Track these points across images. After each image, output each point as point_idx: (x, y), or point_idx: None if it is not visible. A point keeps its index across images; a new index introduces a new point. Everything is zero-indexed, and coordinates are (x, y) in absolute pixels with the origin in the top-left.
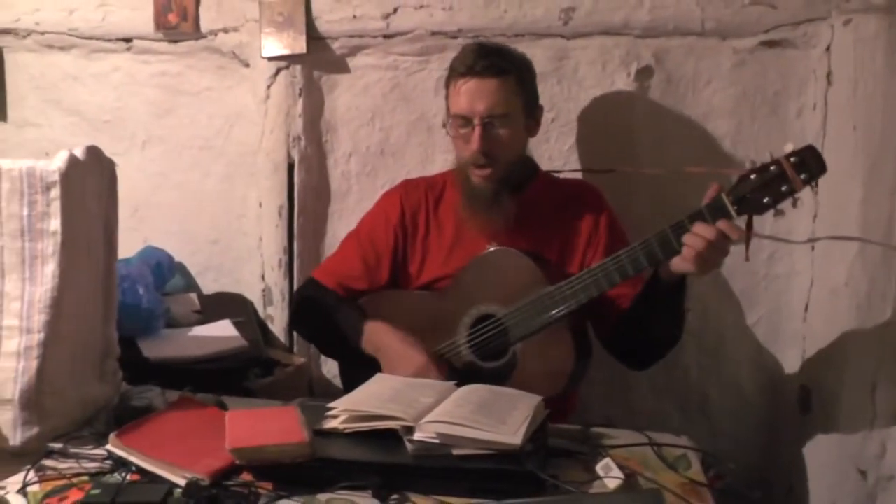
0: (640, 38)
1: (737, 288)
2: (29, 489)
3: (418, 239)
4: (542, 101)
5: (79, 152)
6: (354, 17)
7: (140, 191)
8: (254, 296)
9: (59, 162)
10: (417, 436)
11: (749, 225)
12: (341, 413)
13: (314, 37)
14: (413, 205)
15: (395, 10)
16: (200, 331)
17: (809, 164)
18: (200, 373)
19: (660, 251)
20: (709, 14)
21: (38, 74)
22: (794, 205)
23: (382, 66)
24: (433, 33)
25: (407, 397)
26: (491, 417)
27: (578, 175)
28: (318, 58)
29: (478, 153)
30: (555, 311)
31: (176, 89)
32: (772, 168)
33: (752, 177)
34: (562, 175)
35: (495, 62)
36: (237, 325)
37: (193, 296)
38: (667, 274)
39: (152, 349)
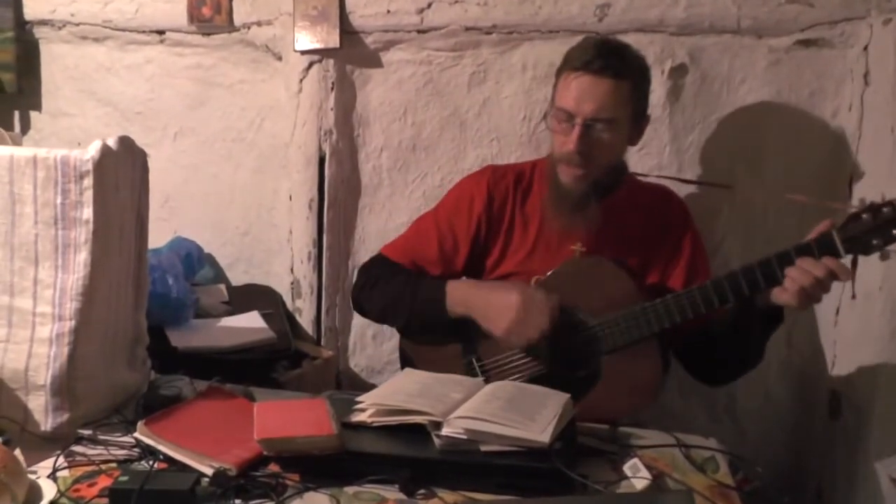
0: (675, 36)
1: None
2: (59, 474)
3: (502, 231)
4: None
5: (112, 142)
6: (389, 11)
7: (171, 182)
8: (282, 288)
9: (92, 151)
10: (445, 431)
11: (854, 264)
12: (369, 407)
13: (348, 31)
14: (501, 194)
15: (430, 5)
16: (229, 322)
17: None
18: (228, 363)
19: (762, 280)
20: (745, 12)
21: (73, 65)
22: None
23: (416, 61)
24: (467, 29)
25: (435, 392)
26: (520, 414)
27: (668, 182)
28: (352, 52)
29: (573, 152)
30: (651, 327)
31: (208, 82)
32: (884, 210)
33: (864, 216)
34: (646, 180)
35: (614, 63)
36: (266, 316)
37: (222, 287)
38: (764, 301)
39: (181, 339)
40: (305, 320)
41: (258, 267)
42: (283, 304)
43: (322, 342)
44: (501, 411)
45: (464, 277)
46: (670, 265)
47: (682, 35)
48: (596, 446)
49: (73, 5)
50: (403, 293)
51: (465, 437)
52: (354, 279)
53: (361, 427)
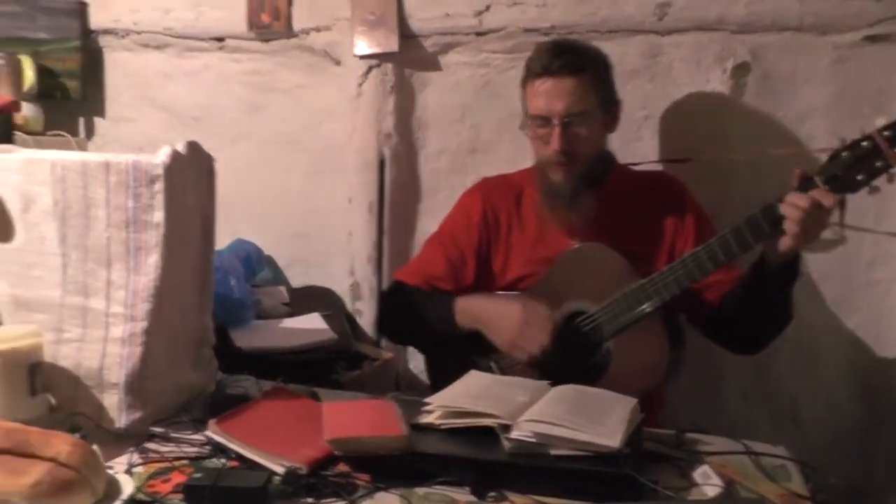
0: (736, 34)
1: (834, 293)
2: (134, 470)
3: (501, 237)
4: (633, 99)
5: (181, 147)
6: (447, 14)
7: (229, 185)
8: (342, 290)
9: (162, 156)
10: (514, 434)
11: (842, 204)
12: (436, 409)
13: (406, 35)
14: (494, 203)
15: (488, 8)
16: (290, 323)
17: None
18: (290, 364)
19: (750, 235)
20: (808, 8)
21: (134, 72)
22: (891, 180)
23: (474, 64)
24: (525, 30)
25: (501, 395)
26: (588, 418)
27: (656, 167)
28: (410, 55)
29: (558, 153)
30: (648, 304)
31: (266, 87)
32: (864, 143)
33: (844, 154)
34: (640, 167)
35: (571, 60)
36: (326, 318)
37: (282, 288)
38: (773, 256)
39: (244, 339)
40: (365, 322)
41: (316, 269)
42: (343, 305)
43: (382, 344)
44: (569, 415)
45: (475, 290)
46: (678, 241)
47: (744, 33)
48: (662, 451)
49: (136, 14)
50: (418, 315)
51: (534, 440)
52: (379, 307)
53: (429, 429)
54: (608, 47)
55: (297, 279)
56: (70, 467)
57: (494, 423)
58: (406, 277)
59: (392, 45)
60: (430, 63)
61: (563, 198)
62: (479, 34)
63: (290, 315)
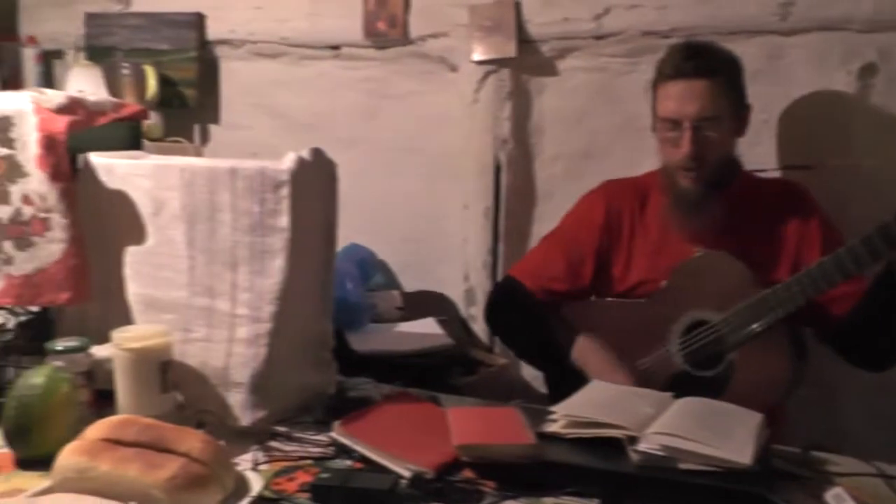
0: (863, 33)
1: None
2: (259, 467)
3: (623, 241)
4: (754, 101)
5: (306, 154)
6: (565, 19)
7: (343, 190)
8: (455, 295)
9: (288, 163)
10: (642, 447)
11: None
12: (561, 418)
13: (523, 40)
14: (617, 206)
15: (607, 11)
16: (406, 327)
17: None
18: (405, 368)
19: (882, 244)
20: None
21: (248, 81)
22: None
23: (591, 68)
24: (644, 33)
25: (626, 406)
26: (716, 433)
27: (779, 173)
28: (527, 61)
29: (688, 157)
30: (772, 315)
31: (380, 93)
32: None
33: None
34: (765, 174)
35: (704, 62)
36: (441, 323)
37: (396, 293)
38: None
39: (360, 342)
40: (479, 327)
41: (429, 273)
42: (457, 310)
43: (495, 350)
44: (697, 429)
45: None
46: (804, 250)
47: (870, 32)
48: (791, 470)
49: (252, 24)
50: (536, 330)
51: (662, 453)
52: (489, 298)
53: (554, 438)
54: (730, 49)
55: (409, 284)
56: (202, 462)
57: (621, 434)
58: (521, 276)
59: (509, 50)
60: (547, 68)
61: (690, 203)
62: (597, 38)
63: (404, 319)
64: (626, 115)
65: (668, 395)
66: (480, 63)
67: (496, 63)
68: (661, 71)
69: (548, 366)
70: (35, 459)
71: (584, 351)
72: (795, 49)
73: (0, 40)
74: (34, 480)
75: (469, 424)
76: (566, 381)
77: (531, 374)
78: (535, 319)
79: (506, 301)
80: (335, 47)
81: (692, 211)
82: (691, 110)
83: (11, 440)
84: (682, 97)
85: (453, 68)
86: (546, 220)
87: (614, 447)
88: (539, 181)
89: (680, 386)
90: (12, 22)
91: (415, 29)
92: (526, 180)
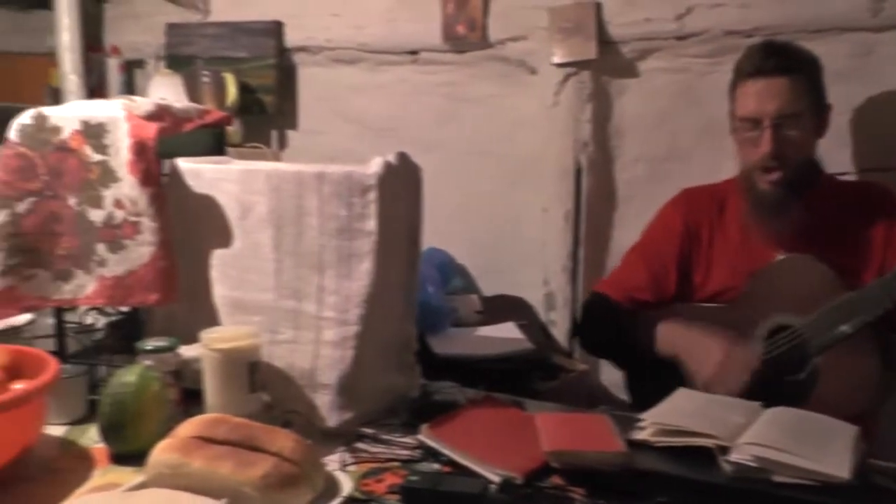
0: None
1: None
2: (347, 468)
3: (703, 248)
4: (840, 101)
5: (392, 158)
6: (647, 19)
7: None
8: (534, 299)
9: (375, 167)
10: (734, 457)
11: None
12: (650, 425)
13: (603, 41)
14: (696, 213)
15: (689, 11)
16: (486, 331)
17: None
18: (486, 372)
19: None
20: None
21: (325, 87)
22: None
23: (673, 69)
24: (727, 33)
25: (716, 415)
26: (810, 445)
27: (864, 176)
28: (607, 62)
29: (768, 156)
30: (858, 319)
31: (458, 97)
32: None
33: None
34: (847, 177)
35: (784, 60)
36: (521, 327)
37: (475, 297)
38: None
39: (441, 346)
40: (559, 332)
41: (507, 277)
42: (536, 315)
43: (575, 355)
44: (792, 440)
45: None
46: (888, 258)
47: None
48: (889, 486)
49: (330, 31)
50: (620, 334)
51: (755, 464)
52: (580, 318)
53: (644, 446)
54: (814, 48)
55: (487, 288)
56: (294, 462)
57: (712, 443)
58: (607, 289)
59: (590, 52)
60: (628, 70)
61: (770, 206)
62: (679, 38)
63: (484, 323)
64: (708, 116)
65: (756, 404)
66: (560, 65)
67: (576, 65)
68: (739, 70)
69: (642, 369)
70: (129, 455)
71: (670, 333)
72: (887, 46)
73: (88, 51)
74: (129, 475)
75: (559, 430)
76: (652, 385)
77: (611, 380)
78: (625, 326)
79: (595, 315)
80: (413, 52)
81: (772, 214)
82: (771, 108)
83: (107, 436)
84: (762, 95)
85: (533, 71)
86: (627, 223)
87: (705, 457)
88: (620, 184)
89: (763, 391)
90: (98, 34)
91: (494, 32)
92: (606, 183)
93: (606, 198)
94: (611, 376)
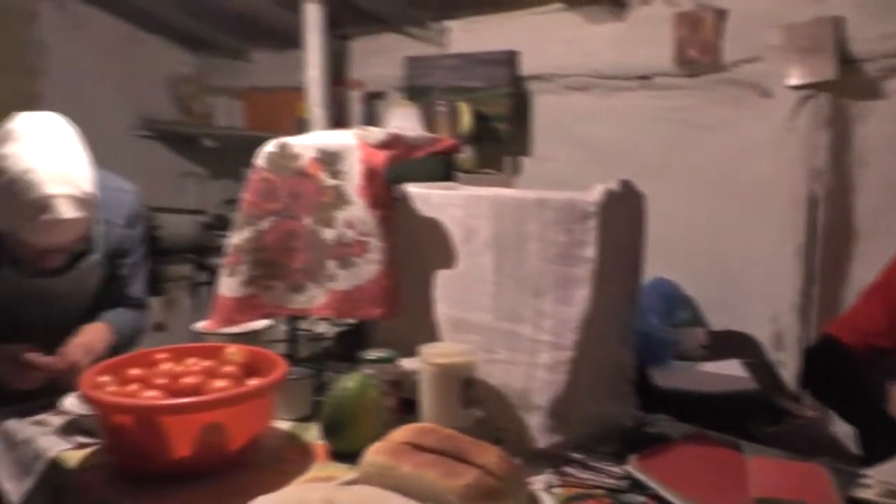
0: None
1: None
2: (552, 490)
3: None
4: None
5: (614, 185)
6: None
7: (650, 222)
8: (762, 336)
9: (596, 194)
10: None
11: None
12: (876, 484)
13: (845, 60)
14: None
15: None
16: (709, 367)
17: None
18: (706, 409)
19: None
20: None
21: (557, 114)
22: None
23: None
24: None
25: None
26: None
27: None
28: (849, 83)
29: None
30: None
31: (689, 122)
32: None
33: None
34: None
35: None
36: (747, 366)
37: (701, 330)
38: None
39: (661, 378)
40: (787, 374)
41: (733, 311)
42: (764, 353)
43: (804, 400)
44: None
45: None
46: None
47: None
48: None
49: (563, 59)
50: (850, 385)
51: None
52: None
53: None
54: None
55: (716, 321)
56: (498, 477)
57: None
58: (841, 332)
59: (829, 72)
60: (873, 91)
61: None
62: None
63: (708, 359)
64: None
65: None
66: (796, 87)
67: (814, 87)
68: None
69: (868, 426)
70: (345, 453)
71: None
72: None
73: (333, 85)
74: (343, 472)
75: (770, 477)
76: (883, 440)
77: (843, 431)
78: (857, 376)
79: (823, 361)
80: (645, 77)
81: None
82: None
83: (327, 434)
84: None
85: (767, 94)
86: (869, 260)
87: None
88: (861, 217)
89: None
90: (342, 69)
91: (728, 54)
92: (845, 216)
93: (844, 231)
94: (844, 426)
